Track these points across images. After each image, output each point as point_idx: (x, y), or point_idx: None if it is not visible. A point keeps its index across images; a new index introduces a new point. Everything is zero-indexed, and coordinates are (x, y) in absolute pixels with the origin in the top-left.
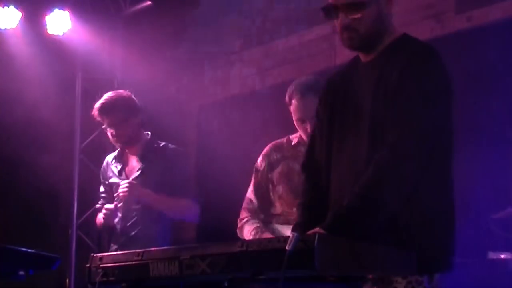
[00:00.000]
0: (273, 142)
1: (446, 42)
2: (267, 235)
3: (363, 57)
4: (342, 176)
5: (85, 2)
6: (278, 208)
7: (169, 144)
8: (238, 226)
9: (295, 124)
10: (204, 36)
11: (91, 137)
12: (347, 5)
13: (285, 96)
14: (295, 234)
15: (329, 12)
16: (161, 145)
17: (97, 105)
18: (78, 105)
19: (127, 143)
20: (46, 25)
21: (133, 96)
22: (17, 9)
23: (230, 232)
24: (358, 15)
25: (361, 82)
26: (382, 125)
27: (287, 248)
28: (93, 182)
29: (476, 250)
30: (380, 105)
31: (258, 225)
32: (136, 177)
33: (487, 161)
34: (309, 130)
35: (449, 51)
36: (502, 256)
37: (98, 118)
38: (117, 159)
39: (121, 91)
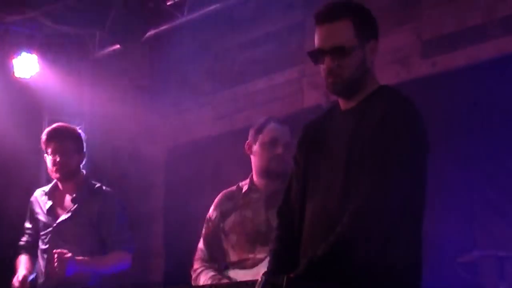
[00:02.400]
0: (224, 191)
1: (411, 86)
2: (225, 281)
3: (342, 105)
4: (315, 222)
5: (53, 45)
6: (233, 256)
7: (104, 187)
8: (193, 277)
9: (259, 153)
10: (173, 79)
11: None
12: (333, 49)
13: (253, 130)
14: (264, 277)
15: (316, 56)
16: (96, 186)
17: (49, 129)
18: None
19: (66, 176)
20: (13, 68)
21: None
22: None
23: None
24: (343, 60)
25: (338, 130)
26: (356, 175)
27: None
28: None
29: None
30: (356, 154)
31: (214, 273)
32: (66, 219)
33: (451, 206)
34: (278, 152)
35: (414, 95)
36: None
37: (46, 143)
38: (49, 195)
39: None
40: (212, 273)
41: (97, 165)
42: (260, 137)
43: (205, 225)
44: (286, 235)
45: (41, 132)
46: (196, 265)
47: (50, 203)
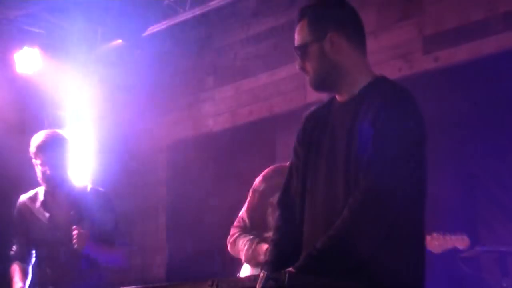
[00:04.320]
0: (275, 165)
1: (414, 81)
2: (263, 246)
3: (338, 97)
4: (315, 215)
5: (55, 40)
6: None
7: (97, 187)
8: (230, 242)
9: None
10: (175, 74)
11: None
12: (297, 48)
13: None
14: (266, 273)
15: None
16: (89, 188)
17: (37, 141)
18: None
19: (56, 187)
20: (15, 63)
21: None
22: None
23: (200, 270)
24: (304, 58)
25: (336, 122)
26: (356, 166)
27: (257, 287)
28: None
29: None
30: (355, 145)
31: (251, 237)
32: (70, 225)
33: (455, 202)
34: None
35: (416, 91)
36: None
37: (35, 155)
38: (44, 205)
39: (56, 130)
40: (249, 237)
41: (100, 162)
42: None
43: (251, 195)
44: (287, 226)
45: (43, 128)
46: (233, 231)
47: (47, 213)
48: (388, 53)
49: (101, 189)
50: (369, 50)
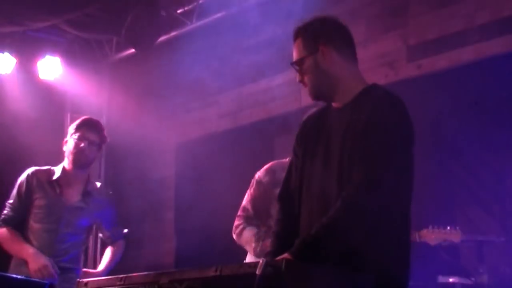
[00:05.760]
0: (277, 161)
1: (399, 87)
2: (267, 242)
3: (334, 104)
4: (311, 208)
5: (74, 48)
6: None
7: (103, 185)
8: (235, 233)
9: None
10: (183, 80)
11: None
12: (294, 64)
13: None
14: (265, 259)
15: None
16: (98, 185)
17: (86, 118)
18: None
19: (83, 163)
20: (38, 70)
21: None
22: (12, 55)
23: (206, 257)
24: (302, 72)
25: (332, 125)
26: (349, 164)
27: (257, 272)
28: None
29: (427, 274)
30: (348, 146)
31: (256, 230)
32: (75, 209)
33: (436, 196)
34: None
35: (401, 95)
36: (451, 280)
37: (78, 128)
38: (58, 181)
39: None
40: (255, 230)
41: (114, 160)
42: None
43: (254, 186)
44: (286, 219)
45: (63, 129)
46: (238, 221)
47: (58, 189)
48: (376, 62)
49: (109, 189)
50: (359, 58)
